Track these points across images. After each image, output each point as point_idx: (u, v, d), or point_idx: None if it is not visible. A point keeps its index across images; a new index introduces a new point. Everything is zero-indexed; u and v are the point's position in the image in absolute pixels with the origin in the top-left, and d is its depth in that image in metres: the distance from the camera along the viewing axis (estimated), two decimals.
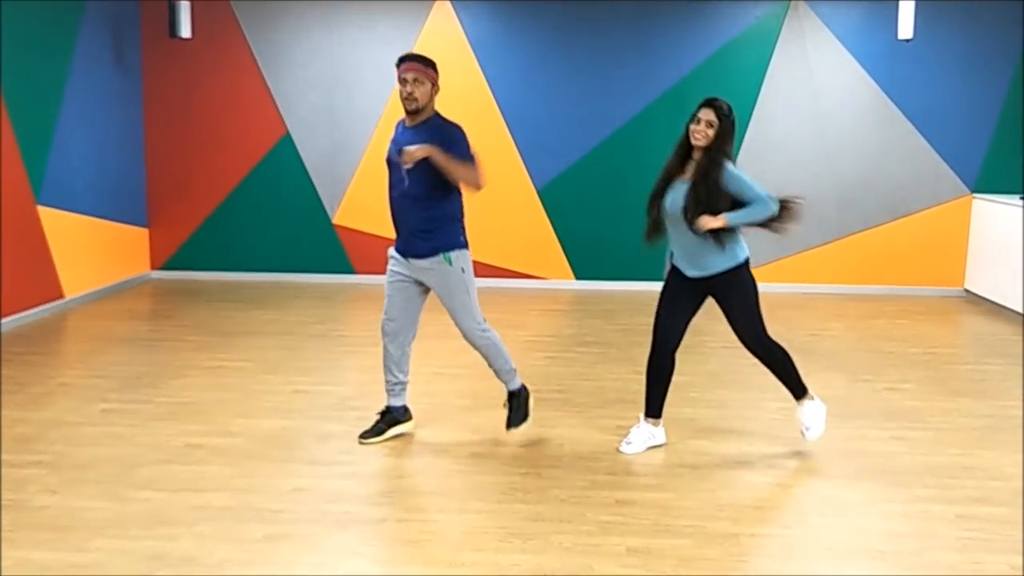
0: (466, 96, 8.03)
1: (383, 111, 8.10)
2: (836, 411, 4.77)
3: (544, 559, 3.11)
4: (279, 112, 8.13)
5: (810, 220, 8.11)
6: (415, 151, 3.77)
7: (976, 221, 7.91)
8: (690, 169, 3.94)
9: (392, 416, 4.29)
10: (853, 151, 8.00)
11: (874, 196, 8.04)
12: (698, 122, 3.84)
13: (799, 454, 4.13)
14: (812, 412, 4.13)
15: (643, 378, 4.26)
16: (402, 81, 3.91)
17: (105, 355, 5.71)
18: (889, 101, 7.89)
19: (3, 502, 3.48)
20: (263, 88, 8.14)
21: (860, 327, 6.83)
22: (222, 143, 8.24)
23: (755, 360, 5.83)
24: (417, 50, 7.95)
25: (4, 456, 3.95)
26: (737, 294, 4.00)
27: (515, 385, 4.28)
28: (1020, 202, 7.21)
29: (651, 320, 4.17)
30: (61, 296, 7.00)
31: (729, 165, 3.86)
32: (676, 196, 3.92)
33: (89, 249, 7.40)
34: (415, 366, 5.38)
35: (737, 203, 3.86)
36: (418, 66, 3.92)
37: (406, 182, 3.95)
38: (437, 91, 3.99)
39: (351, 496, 3.63)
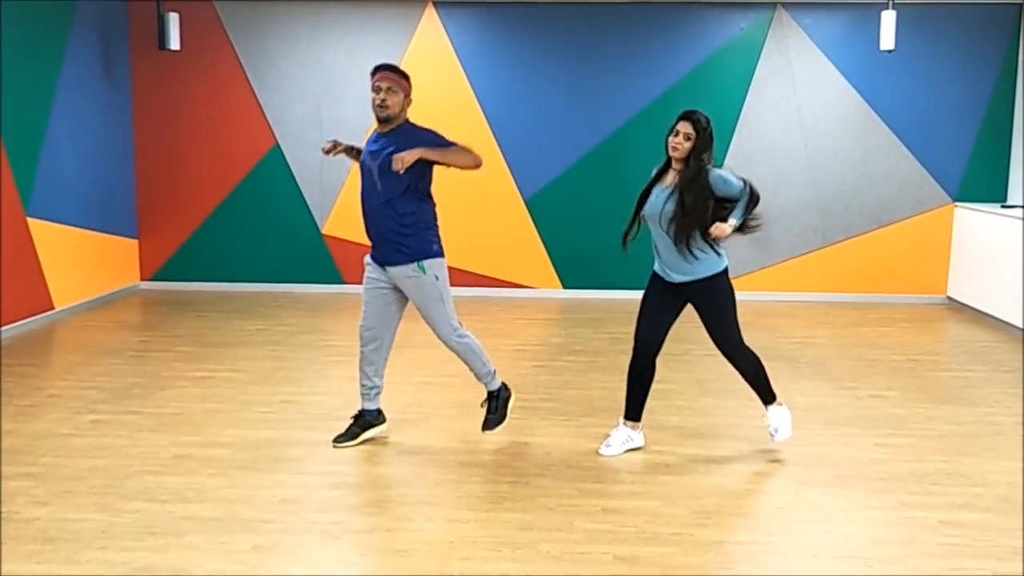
0: (453, 106, 8.06)
1: (372, 121, 8.11)
2: (820, 418, 4.83)
3: (532, 568, 3.13)
4: (268, 123, 8.15)
5: (794, 229, 8.21)
6: (406, 156, 3.83)
7: (958, 229, 8.00)
8: (670, 178, 4.01)
9: (366, 420, 4.35)
10: (837, 160, 8.08)
11: (857, 205, 8.12)
12: (676, 134, 3.93)
13: (784, 461, 4.18)
14: (780, 416, 4.25)
15: None
16: (376, 89, 4.03)
17: (94, 366, 5.71)
18: (871, 111, 7.98)
19: None
20: (252, 99, 8.17)
21: (844, 335, 6.89)
22: (211, 154, 8.26)
23: None
24: (406, 61, 8.05)
25: None
26: (718, 300, 4.07)
27: (495, 386, 4.33)
28: (1001, 210, 7.29)
29: None
30: (51, 307, 6.99)
31: (713, 170, 3.94)
32: (656, 202, 4.00)
33: (78, 260, 7.39)
34: (404, 376, 5.42)
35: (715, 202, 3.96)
36: (392, 76, 4.04)
37: (379, 186, 4.02)
38: (409, 103, 4.12)
39: (340, 506, 3.65)
